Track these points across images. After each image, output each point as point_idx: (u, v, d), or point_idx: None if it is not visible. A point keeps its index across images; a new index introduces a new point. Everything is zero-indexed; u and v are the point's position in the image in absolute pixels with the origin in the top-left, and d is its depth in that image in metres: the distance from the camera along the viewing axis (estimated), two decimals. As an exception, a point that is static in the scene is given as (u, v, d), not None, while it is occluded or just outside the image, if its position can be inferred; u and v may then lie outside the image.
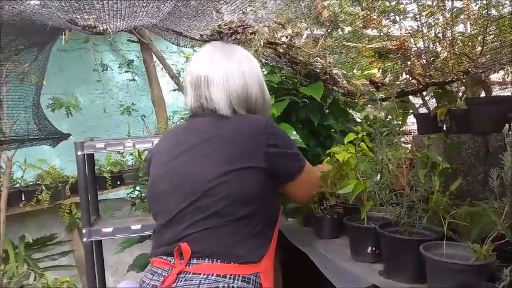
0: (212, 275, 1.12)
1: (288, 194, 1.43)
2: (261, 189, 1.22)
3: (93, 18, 1.76)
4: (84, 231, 2.03)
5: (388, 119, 2.19)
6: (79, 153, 2.01)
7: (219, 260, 1.14)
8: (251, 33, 2.16)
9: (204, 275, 1.12)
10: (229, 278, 1.11)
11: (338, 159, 1.68)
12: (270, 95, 2.56)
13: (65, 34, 3.16)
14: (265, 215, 1.22)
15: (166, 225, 1.25)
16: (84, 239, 2.04)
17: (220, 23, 2.15)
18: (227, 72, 1.29)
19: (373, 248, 1.45)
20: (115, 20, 1.88)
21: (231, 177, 1.18)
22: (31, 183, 3.71)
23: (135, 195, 3.34)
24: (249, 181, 1.19)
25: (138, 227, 2.07)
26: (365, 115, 2.26)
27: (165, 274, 1.17)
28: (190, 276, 1.13)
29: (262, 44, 1.91)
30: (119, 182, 4.09)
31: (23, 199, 3.59)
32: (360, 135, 1.85)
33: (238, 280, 1.12)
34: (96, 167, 3.71)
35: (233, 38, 2.17)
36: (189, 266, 1.15)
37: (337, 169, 1.59)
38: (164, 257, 1.22)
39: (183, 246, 1.16)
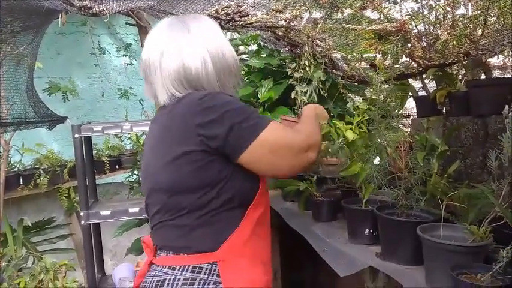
0: (164, 267, 1.13)
1: (251, 166, 1.11)
2: (205, 174, 1.08)
3: (88, -2, 1.73)
4: (82, 214, 2.03)
5: (387, 102, 2.17)
6: (76, 136, 2.00)
7: (171, 252, 1.15)
8: (250, 23, 2.13)
9: (159, 266, 1.14)
10: (178, 270, 1.10)
11: (347, 137, 1.60)
12: (268, 78, 2.56)
13: (61, 16, 3.10)
14: (222, 199, 1.09)
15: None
16: (82, 222, 2.04)
17: (217, 7, 2.12)
18: (162, 54, 1.15)
19: (371, 230, 1.46)
20: (111, 0, 1.85)
21: (169, 169, 1.10)
22: (29, 167, 3.70)
23: (133, 179, 3.35)
24: (187, 169, 1.07)
25: (136, 209, 2.08)
26: (367, 97, 2.23)
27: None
28: (154, 267, 1.17)
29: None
30: (117, 166, 4.08)
31: (21, 183, 3.59)
32: (359, 118, 1.81)
33: (187, 271, 1.09)
34: (95, 151, 3.69)
35: (230, 24, 2.14)
36: (156, 257, 1.18)
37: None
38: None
39: (145, 239, 1.22)
